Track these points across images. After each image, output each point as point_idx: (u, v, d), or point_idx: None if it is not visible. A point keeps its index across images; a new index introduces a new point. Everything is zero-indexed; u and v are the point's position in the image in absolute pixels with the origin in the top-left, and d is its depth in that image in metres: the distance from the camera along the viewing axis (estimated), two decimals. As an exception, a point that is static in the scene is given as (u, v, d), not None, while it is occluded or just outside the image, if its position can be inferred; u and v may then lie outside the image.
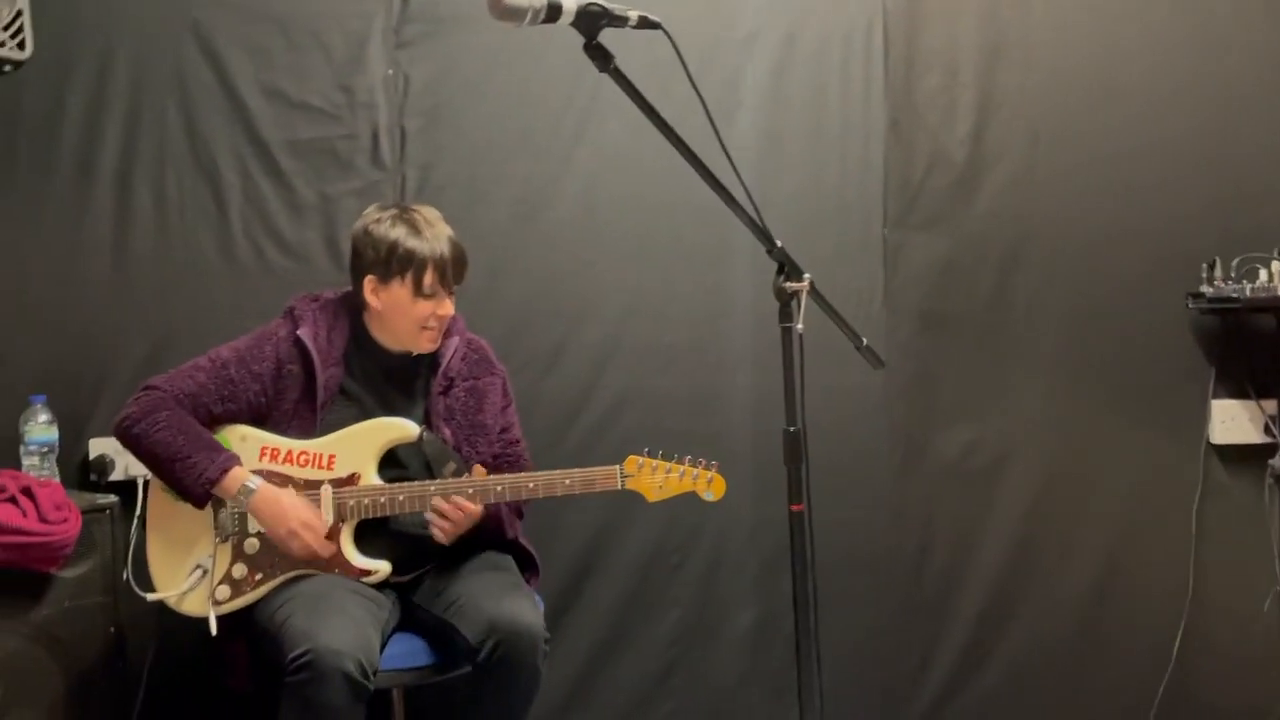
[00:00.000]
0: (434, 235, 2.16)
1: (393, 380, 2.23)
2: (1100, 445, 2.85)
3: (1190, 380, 2.83)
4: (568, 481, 2.13)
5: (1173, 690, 2.83)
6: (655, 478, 2.16)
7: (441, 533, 2.11)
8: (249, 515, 2.12)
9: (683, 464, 2.17)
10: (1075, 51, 2.84)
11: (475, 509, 2.11)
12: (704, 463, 2.18)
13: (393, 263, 2.14)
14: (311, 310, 2.21)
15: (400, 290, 2.15)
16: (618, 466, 2.15)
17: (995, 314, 2.84)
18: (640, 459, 2.16)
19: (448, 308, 2.18)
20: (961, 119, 2.83)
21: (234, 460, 2.08)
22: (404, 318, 2.17)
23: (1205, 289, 2.73)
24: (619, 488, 2.16)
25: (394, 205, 2.24)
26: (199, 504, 2.09)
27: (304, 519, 2.08)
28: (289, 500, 2.09)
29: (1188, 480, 2.83)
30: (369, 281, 2.17)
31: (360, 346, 2.22)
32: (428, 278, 2.14)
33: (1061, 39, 2.84)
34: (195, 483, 2.05)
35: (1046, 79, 2.83)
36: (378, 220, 2.18)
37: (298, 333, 2.17)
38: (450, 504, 2.09)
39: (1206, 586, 2.83)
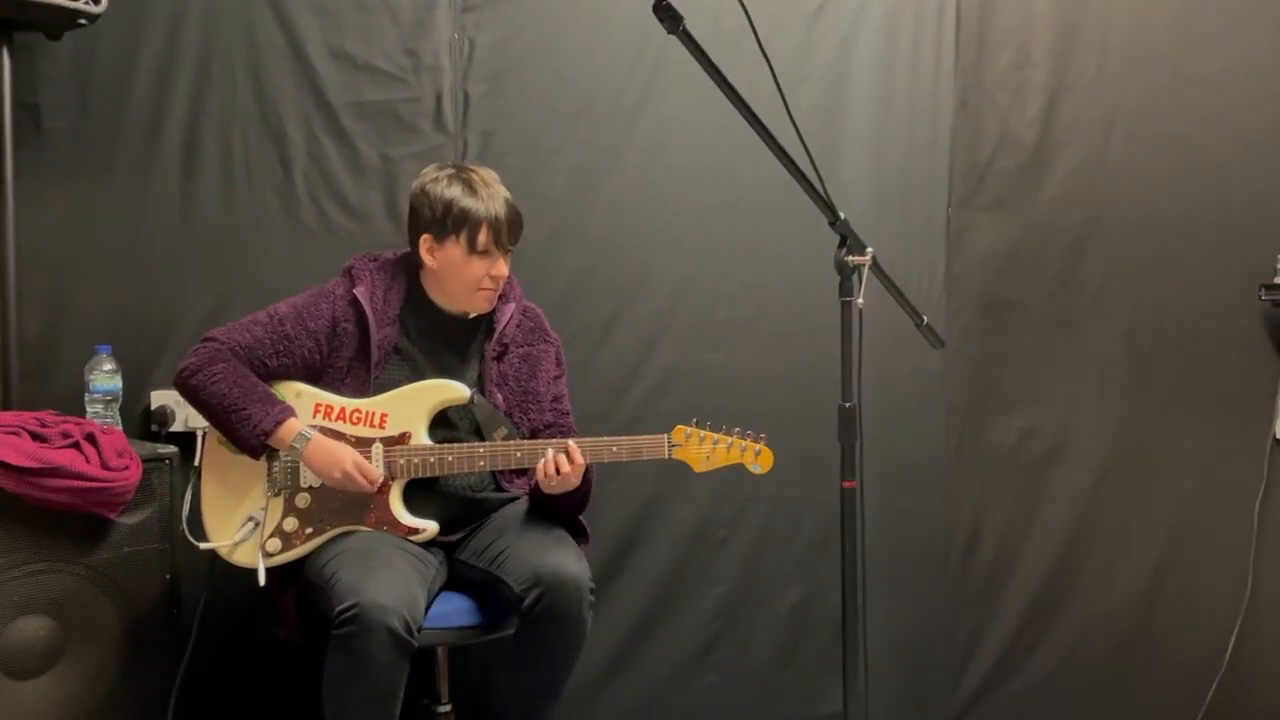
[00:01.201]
0: (490, 195, 2.17)
1: (448, 342, 2.25)
2: (1162, 438, 2.79)
3: (1259, 374, 2.76)
4: (615, 448, 2.14)
5: (1223, 693, 2.77)
6: (703, 448, 2.15)
7: (546, 481, 2.10)
8: (301, 470, 2.16)
9: (731, 435, 2.17)
10: (1153, 34, 2.77)
11: (581, 464, 2.10)
12: (752, 435, 2.17)
13: (448, 221, 2.15)
14: (369, 270, 2.23)
15: (455, 249, 2.16)
16: (665, 435, 2.15)
17: (1059, 300, 2.79)
18: (688, 429, 2.16)
19: (502, 268, 2.19)
20: (1032, 100, 2.77)
21: (289, 412, 2.11)
22: (459, 277, 2.18)
23: (1280, 281, 2.66)
24: (666, 457, 2.16)
25: (451, 165, 2.24)
26: (254, 455, 2.12)
27: (357, 460, 2.11)
28: (340, 446, 2.11)
29: (1251, 477, 2.76)
30: (425, 240, 2.18)
31: (416, 307, 2.24)
32: (482, 236, 2.15)
33: (1139, 22, 2.77)
34: (250, 434, 2.08)
35: (1122, 62, 2.77)
36: (435, 179, 2.19)
37: (354, 291, 2.19)
38: (566, 460, 2.08)
39: (1266, 587, 2.76)
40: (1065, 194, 2.78)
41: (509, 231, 2.18)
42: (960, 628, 2.83)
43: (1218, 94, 2.75)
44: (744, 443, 2.17)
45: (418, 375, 2.20)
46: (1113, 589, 2.81)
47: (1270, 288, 2.68)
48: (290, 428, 2.10)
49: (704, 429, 2.16)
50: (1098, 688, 2.83)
